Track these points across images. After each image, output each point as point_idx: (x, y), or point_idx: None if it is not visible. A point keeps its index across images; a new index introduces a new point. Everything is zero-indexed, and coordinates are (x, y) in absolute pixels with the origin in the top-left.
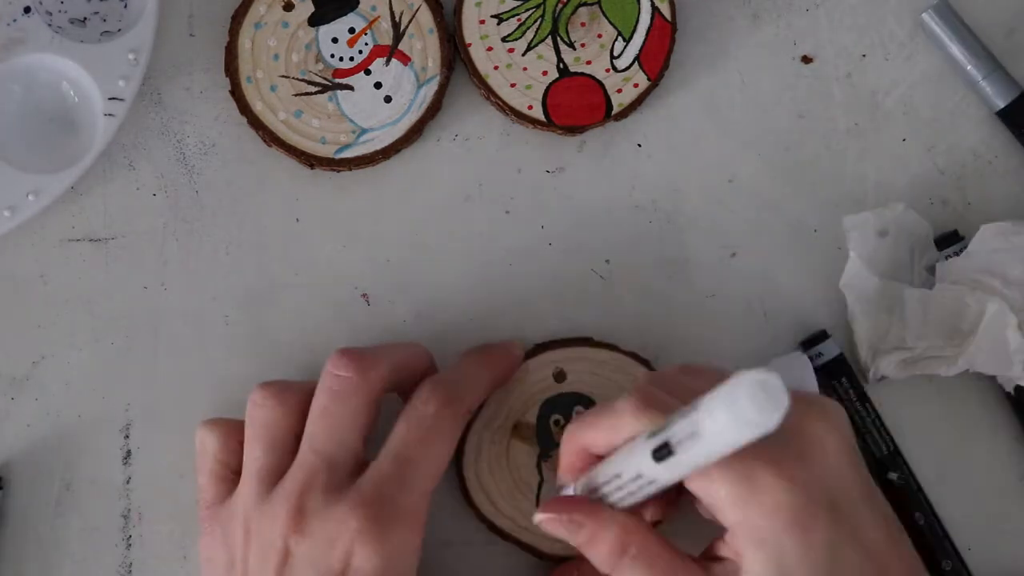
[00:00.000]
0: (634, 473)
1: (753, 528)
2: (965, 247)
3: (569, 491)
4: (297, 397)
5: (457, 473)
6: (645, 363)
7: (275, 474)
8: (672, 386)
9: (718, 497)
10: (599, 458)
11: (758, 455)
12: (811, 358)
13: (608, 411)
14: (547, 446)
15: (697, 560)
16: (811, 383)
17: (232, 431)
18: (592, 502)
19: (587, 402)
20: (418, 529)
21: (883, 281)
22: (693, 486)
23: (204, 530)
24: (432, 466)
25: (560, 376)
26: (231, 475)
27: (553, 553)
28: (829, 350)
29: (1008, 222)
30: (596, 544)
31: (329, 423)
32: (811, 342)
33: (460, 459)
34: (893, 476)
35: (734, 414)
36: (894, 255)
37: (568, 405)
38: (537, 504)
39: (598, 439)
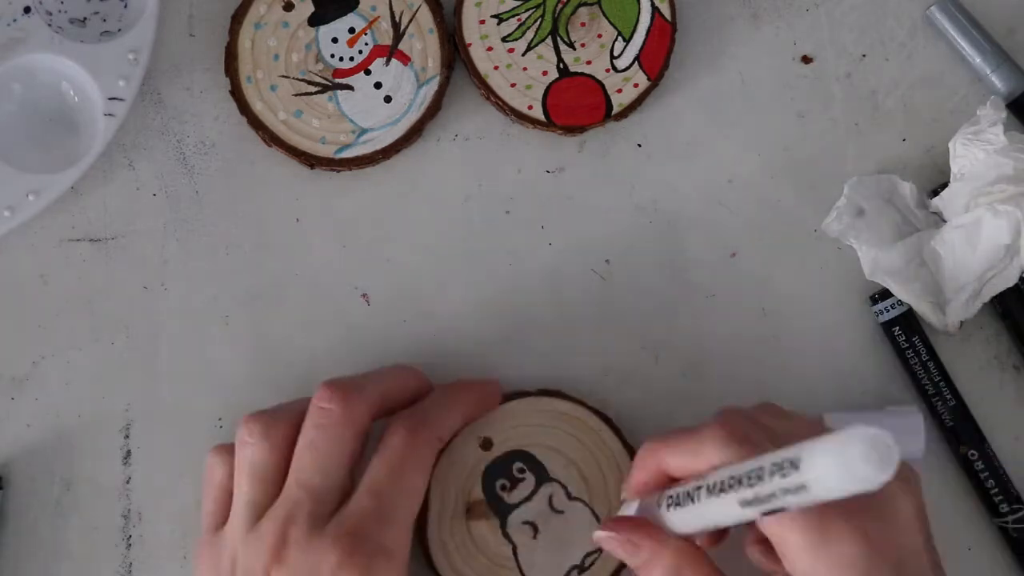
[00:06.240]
0: (712, 509)
1: None
2: None
3: (631, 509)
4: (284, 430)
5: (433, 574)
6: (556, 395)
7: (261, 507)
8: (754, 422)
9: (789, 542)
10: (671, 480)
11: (834, 505)
12: (882, 312)
13: (692, 437)
14: (505, 512)
15: None
16: (918, 445)
17: None
18: (650, 524)
19: (526, 457)
20: (400, 564)
21: (902, 244)
22: (765, 528)
23: (198, 559)
24: (408, 498)
25: (487, 444)
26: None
27: None
28: (900, 304)
29: (962, 128)
30: (651, 568)
31: (315, 456)
32: (881, 296)
33: (430, 560)
34: (965, 451)
35: (843, 469)
36: (891, 218)
37: (507, 467)
38: (520, 571)
39: (676, 462)
